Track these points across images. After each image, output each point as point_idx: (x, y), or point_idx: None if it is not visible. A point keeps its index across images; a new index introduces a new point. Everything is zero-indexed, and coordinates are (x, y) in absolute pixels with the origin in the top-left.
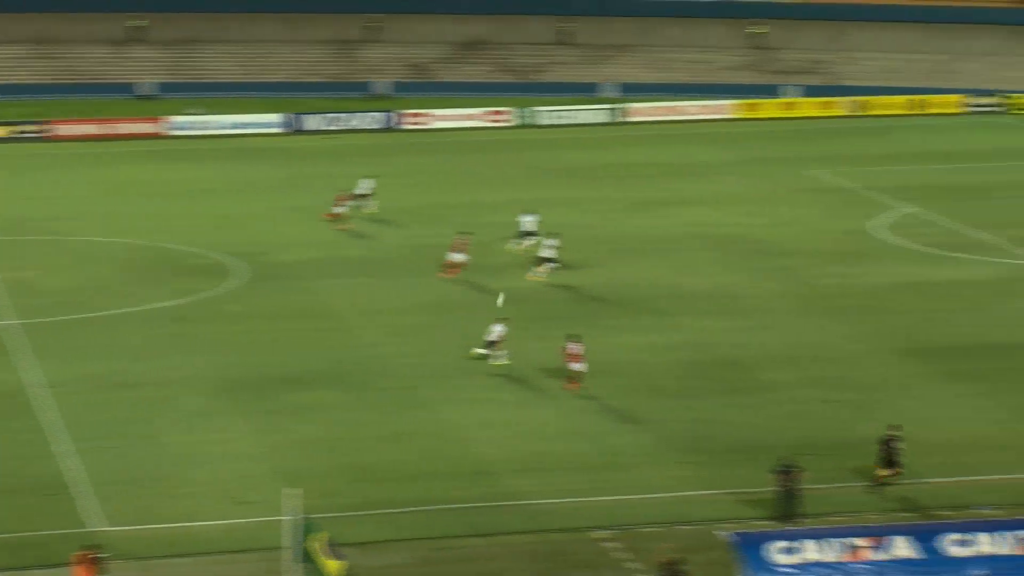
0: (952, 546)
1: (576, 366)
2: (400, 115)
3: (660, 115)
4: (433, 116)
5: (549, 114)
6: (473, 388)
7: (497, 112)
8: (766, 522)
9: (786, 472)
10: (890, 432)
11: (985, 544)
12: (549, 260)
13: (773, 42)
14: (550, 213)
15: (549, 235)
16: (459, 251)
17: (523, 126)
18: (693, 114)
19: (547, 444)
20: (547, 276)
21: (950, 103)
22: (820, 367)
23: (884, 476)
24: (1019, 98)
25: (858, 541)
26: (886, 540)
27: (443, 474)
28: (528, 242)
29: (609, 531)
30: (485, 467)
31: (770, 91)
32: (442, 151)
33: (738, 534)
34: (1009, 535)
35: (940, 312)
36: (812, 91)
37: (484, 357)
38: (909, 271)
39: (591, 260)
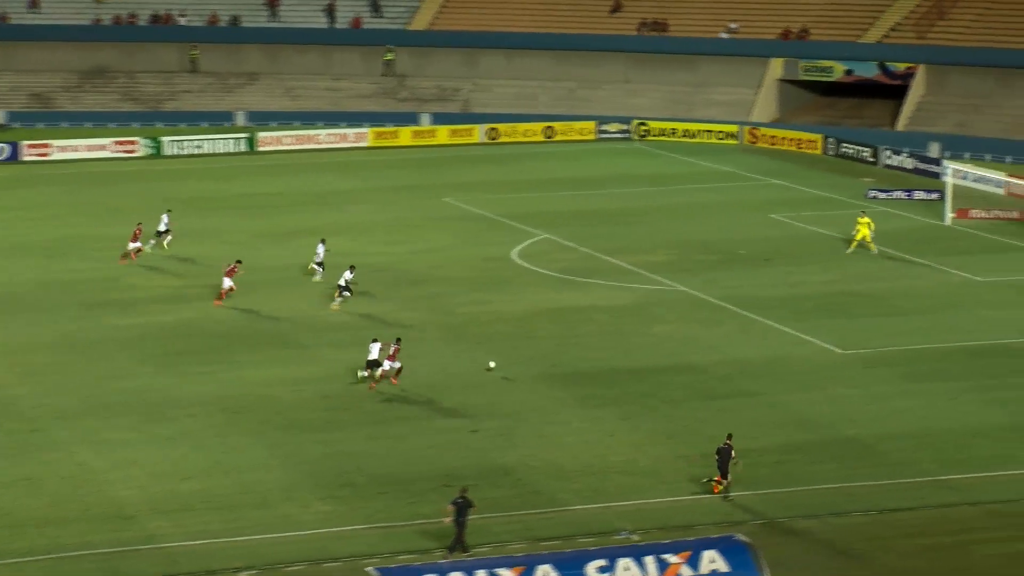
0: (596, 573)
1: (389, 365)
2: (22, 146)
3: (294, 144)
4: (57, 147)
5: (179, 144)
6: (109, 428)
7: (125, 142)
8: (415, 555)
9: (459, 504)
10: (727, 442)
11: (627, 570)
12: (345, 289)
13: (408, 69)
14: (181, 245)
15: (350, 267)
16: (230, 276)
17: (153, 156)
18: (328, 143)
19: (185, 483)
20: (340, 306)
21: (582, 130)
22: (464, 396)
23: (721, 487)
24: (646, 124)
25: (504, 572)
26: (531, 569)
27: (76, 519)
28: (319, 275)
29: (252, 571)
30: (121, 510)
31: (406, 119)
32: (68, 183)
33: (382, 569)
34: (650, 560)
35: (579, 338)
36: (447, 119)
37: (365, 379)
38: (547, 297)
39: None
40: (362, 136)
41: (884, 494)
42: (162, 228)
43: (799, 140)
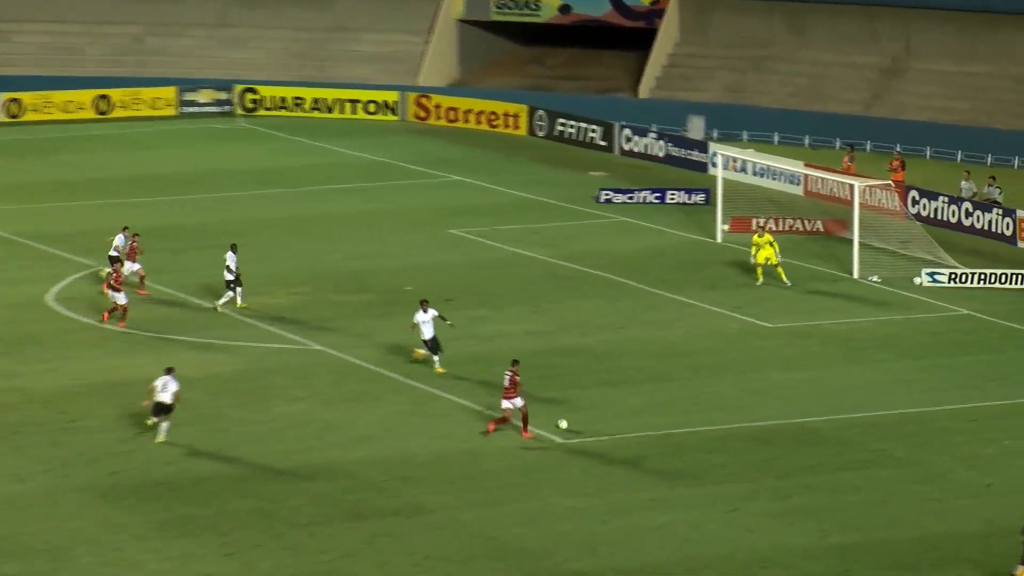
0: None
1: (510, 403)
2: None
3: None
4: None
5: None
6: None
7: None
8: None
9: None
10: None
11: None
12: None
13: None
14: None
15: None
16: (134, 258)
17: None
18: None
19: None
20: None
21: (154, 101)
22: None
23: None
24: (256, 91)
25: None
26: None
27: None
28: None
29: None
30: None
31: None
32: None
33: None
34: None
35: (153, 429)
36: None
37: None
38: (104, 364)
39: None
40: None
41: None
42: (113, 253)
43: (492, 114)
